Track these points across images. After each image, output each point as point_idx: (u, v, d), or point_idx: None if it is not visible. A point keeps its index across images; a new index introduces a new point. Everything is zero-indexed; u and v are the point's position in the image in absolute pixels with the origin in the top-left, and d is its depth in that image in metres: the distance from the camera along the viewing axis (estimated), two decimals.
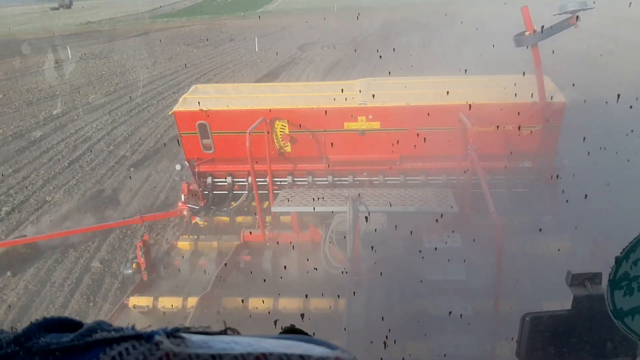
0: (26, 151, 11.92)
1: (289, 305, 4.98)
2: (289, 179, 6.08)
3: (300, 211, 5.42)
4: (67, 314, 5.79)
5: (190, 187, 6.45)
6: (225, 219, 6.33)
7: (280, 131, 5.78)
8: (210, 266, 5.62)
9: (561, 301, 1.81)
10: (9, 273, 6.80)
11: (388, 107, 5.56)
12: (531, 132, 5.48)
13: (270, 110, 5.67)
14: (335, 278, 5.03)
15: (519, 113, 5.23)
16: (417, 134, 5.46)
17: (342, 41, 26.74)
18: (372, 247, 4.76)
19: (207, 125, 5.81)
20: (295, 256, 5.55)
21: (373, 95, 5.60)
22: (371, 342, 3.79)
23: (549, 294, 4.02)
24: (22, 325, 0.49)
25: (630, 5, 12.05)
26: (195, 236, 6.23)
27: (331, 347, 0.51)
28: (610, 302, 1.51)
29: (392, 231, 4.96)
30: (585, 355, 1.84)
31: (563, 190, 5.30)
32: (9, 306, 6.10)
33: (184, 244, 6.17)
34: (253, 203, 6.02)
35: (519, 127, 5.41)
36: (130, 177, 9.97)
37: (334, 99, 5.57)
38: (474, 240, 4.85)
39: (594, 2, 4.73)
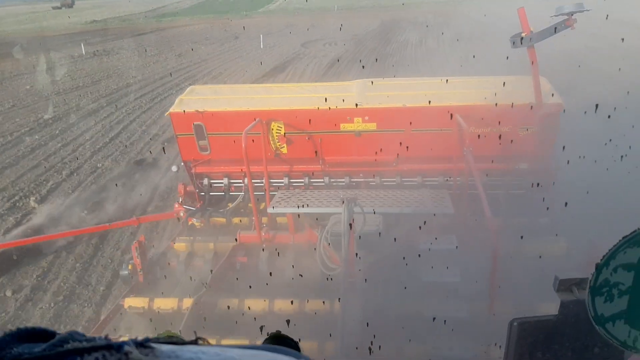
0: (67, 131, 13.71)
1: (285, 306, 4.97)
2: (285, 180, 6.07)
3: (296, 212, 5.41)
4: None
5: (187, 189, 6.45)
6: (222, 220, 6.32)
7: (277, 132, 5.78)
8: (205, 267, 5.61)
9: (556, 304, 1.81)
10: None
11: (384, 108, 5.55)
12: (527, 133, 5.46)
13: (266, 112, 5.66)
14: (331, 280, 5.03)
15: (515, 114, 5.21)
16: (414, 135, 5.45)
17: (343, 39, 27.45)
18: (367, 249, 4.75)
19: (203, 126, 5.80)
20: (291, 257, 5.55)
21: (367, 101, 5.59)
22: (370, 345, 3.78)
23: (543, 297, 4.01)
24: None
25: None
26: (192, 237, 6.22)
27: (298, 357, 0.52)
28: (591, 308, 1.51)
29: (388, 233, 4.95)
30: None
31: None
32: None
33: (180, 245, 6.17)
34: (249, 204, 6.01)
35: (515, 129, 5.40)
36: (164, 149, 11.31)
37: (326, 99, 5.55)
38: (470, 242, 4.84)
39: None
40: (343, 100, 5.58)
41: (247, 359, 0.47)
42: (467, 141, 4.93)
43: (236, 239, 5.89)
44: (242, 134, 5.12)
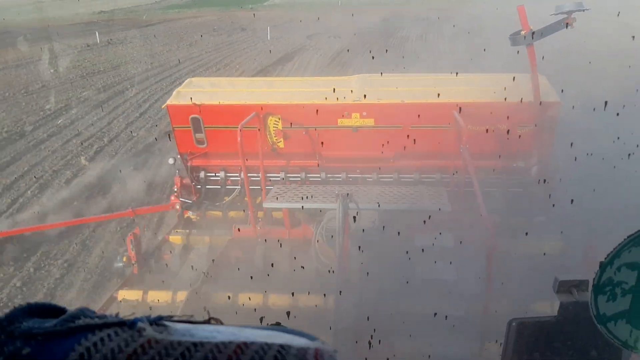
0: (98, 108, 14.81)
1: (279, 301, 4.96)
2: (281, 174, 6.05)
3: (291, 207, 5.40)
4: None
5: (183, 181, 6.42)
6: (218, 213, 6.30)
7: (273, 127, 5.75)
8: (200, 261, 5.60)
9: (552, 303, 1.81)
10: None
11: (382, 104, 5.53)
12: (526, 131, 5.46)
13: (263, 106, 5.63)
14: (326, 275, 5.02)
15: (513, 112, 5.21)
16: (411, 132, 5.44)
17: (346, 32, 28.28)
18: (361, 246, 4.74)
19: (200, 119, 5.77)
20: (286, 252, 5.54)
21: (365, 96, 5.57)
22: (356, 342, 3.78)
23: (540, 296, 4.02)
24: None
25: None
26: (187, 230, 6.21)
27: (312, 338, 0.51)
28: (593, 307, 1.51)
29: (384, 229, 4.94)
30: None
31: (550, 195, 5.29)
32: None
33: (175, 238, 6.15)
34: (245, 198, 5.99)
35: (514, 127, 5.40)
36: None
37: (325, 98, 5.53)
38: (466, 239, 4.84)
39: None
40: (340, 96, 5.55)
41: (263, 339, 0.47)
42: (465, 138, 4.92)
43: (234, 233, 5.88)
44: (238, 127, 5.10)
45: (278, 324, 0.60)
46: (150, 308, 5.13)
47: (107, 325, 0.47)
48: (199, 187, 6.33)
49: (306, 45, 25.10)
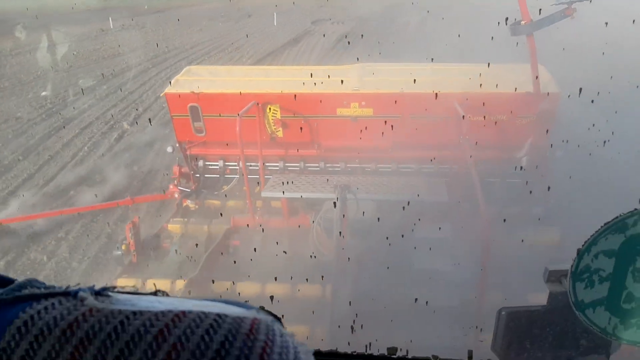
0: (128, 84, 15.96)
1: (277, 290, 4.98)
2: (280, 164, 6.05)
3: (290, 197, 5.40)
4: None
5: (182, 170, 6.42)
6: (217, 202, 6.31)
7: (272, 116, 5.74)
8: (198, 249, 5.61)
9: (546, 294, 1.82)
10: None
11: (381, 93, 5.52)
12: (525, 122, 5.45)
13: (262, 95, 5.62)
14: (324, 265, 5.03)
15: (513, 103, 5.20)
16: (410, 122, 5.42)
17: (349, 18, 29.12)
18: (360, 236, 4.75)
19: (198, 108, 5.76)
20: (285, 242, 5.54)
21: (365, 86, 5.55)
22: (354, 329, 3.80)
23: (535, 286, 4.01)
24: None
25: None
26: (186, 219, 6.21)
27: (249, 308, 0.53)
28: (572, 294, 1.52)
29: (382, 220, 4.95)
30: (560, 351, 1.84)
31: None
32: None
33: (174, 227, 6.16)
34: (244, 187, 6.00)
35: (513, 117, 5.38)
36: None
37: (322, 83, 5.50)
38: (464, 230, 4.84)
39: None
40: (341, 84, 5.54)
41: (201, 308, 0.49)
42: (464, 129, 4.91)
43: (232, 222, 5.88)
44: (237, 116, 5.09)
45: (262, 307, 0.61)
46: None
47: (52, 294, 0.50)
48: (198, 175, 6.34)
49: (311, 31, 25.81)
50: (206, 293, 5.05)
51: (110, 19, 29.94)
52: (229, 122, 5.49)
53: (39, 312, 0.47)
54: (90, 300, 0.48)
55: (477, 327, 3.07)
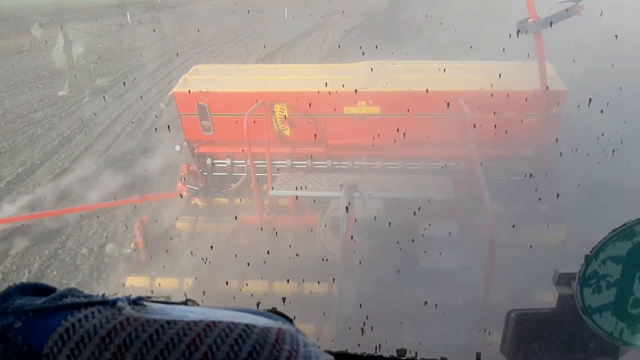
0: (156, 72, 16.98)
1: (284, 288, 5.01)
2: (287, 162, 6.07)
3: (297, 195, 5.43)
4: None
5: (190, 168, 6.46)
6: (224, 200, 6.35)
7: (280, 114, 5.76)
8: (206, 247, 5.64)
9: (553, 293, 1.83)
10: None
11: (388, 92, 5.52)
12: (532, 120, 5.44)
13: (269, 93, 5.64)
14: (330, 263, 5.06)
15: (519, 101, 5.19)
16: (417, 120, 5.43)
17: (357, 12, 30.01)
18: (367, 234, 4.76)
19: (206, 106, 5.79)
20: (292, 240, 5.57)
21: (371, 84, 5.56)
22: (361, 328, 3.82)
23: (541, 285, 4.03)
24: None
25: None
26: (194, 217, 6.25)
27: (276, 319, 0.56)
28: (579, 299, 1.54)
29: (388, 218, 4.96)
30: (569, 354, 1.86)
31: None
32: None
33: (182, 225, 6.20)
34: (251, 185, 6.03)
35: (519, 115, 5.38)
36: None
37: (329, 82, 5.51)
38: (470, 228, 4.85)
39: None
40: (347, 83, 5.54)
41: (230, 319, 0.52)
42: (470, 127, 4.91)
43: (236, 219, 5.91)
44: (245, 115, 5.11)
45: (274, 309, 0.64)
46: (152, 292, 5.20)
47: (91, 303, 0.53)
48: (206, 174, 6.37)
49: (321, 24, 26.62)
50: (215, 291, 5.08)
51: (128, 14, 30.93)
52: (236, 120, 5.52)
53: (79, 320, 0.50)
54: (127, 309, 0.52)
55: (485, 329, 3.09)
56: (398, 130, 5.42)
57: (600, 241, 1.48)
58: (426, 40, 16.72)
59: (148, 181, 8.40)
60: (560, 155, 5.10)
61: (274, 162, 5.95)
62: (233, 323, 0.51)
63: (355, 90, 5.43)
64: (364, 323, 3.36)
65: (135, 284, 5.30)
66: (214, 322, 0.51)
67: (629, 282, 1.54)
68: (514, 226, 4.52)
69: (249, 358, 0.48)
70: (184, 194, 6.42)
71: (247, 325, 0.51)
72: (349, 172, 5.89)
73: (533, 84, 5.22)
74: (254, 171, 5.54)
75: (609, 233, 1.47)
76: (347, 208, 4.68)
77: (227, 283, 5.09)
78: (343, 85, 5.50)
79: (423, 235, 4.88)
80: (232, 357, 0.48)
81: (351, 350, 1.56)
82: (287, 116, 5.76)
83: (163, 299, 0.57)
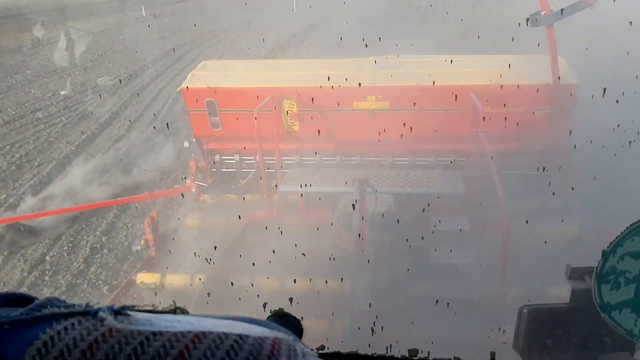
0: (179, 61, 17.76)
1: (294, 286, 4.98)
2: (296, 158, 6.04)
3: (307, 191, 5.40)
4: None
5: (199, 165, 6.45)
6: (233, 197, 6.33)
7: (289, 110, 5.74)
8: (216, 244, 5.63)
9: (566, 288, 1.79)
10: None
11: (398, 86, 5.48)
12: (543, 114, 5.38)
13: (278, 89, 5.61)
14: (342, 259, 5.03)
15: (531, 94, 5.13)
16: (427, 115, 5.38)
17: (363, 3, 29.87)
18: (378, 230, 4.73)
19: (215, 102, 5.77)
20: (302, 236, 5.54)
21: (381, 79, 5.51)
22: (374, 324, 3.79)
23: (554, 281, 3.97)
24: None
25: None
26: (203, 214, 6.24)
27: (271, 327, 0.52)
28: (597, 295, 1.50)
29: (399, 213, 4.92)
30: (583, 349, 1.82)
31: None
32: None
33: (192, 222, 6.19)
34: (261, 182, 6.01)
35: (531, 109, 5.32)
36: None
37: (338, 76, 5.46)
38: (481, 223, 4.80)
39: None
40: (353, 80, 5.50)
41: (221, 329, 0.48)
42: (482, 121, 4.86)
43: (239, 218, 5.89)
44: (254, 111, 5.09)
45: (281, 310, 0.61)
46: (170, 288, 5.20)
47: (71, 314, 0.49)
48: (214, 170, 6.36)
49: (329, 16, 27.19)
50: (225, 288, 5.07)
51: (142, 8, 31.73)
52: (245, 116, 5.50)
53: (58, 333, 0.47)
54: (110, 320, 0.49)
55: (499, 328, 3.04)
56: (407, 125, 5.38)
57: (618, 236, 1.43)
58: (431, 31, 17.11)
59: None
60: (575, 147, 5.04)
61: (282, 158, 5.93)
62: (224, 333, 0.48)
63: (359, 84, 5.39)
64: (374, 323, 3.33)
65: (145, 280, 5.30)
66: (203, 333, 0.47)
67: None
68: (527, 221, 4.45)
69: None
70: (193, 190, 6.41)
71: (239, 336, 0.48)
72: (359, 167, 5.85)
73: (544, 77, 5.16)
74: (263, 167, 5.52)
75: (627, 228, 1.43)
76: (357, 202, 4.64)
77: (232, 284, 5.07)
78: (346, 79, 5.46)
79: (434, 230, 4.85)
80: None
81: (361, 351, 1.53)
82: (296, 112, 5.74)
83: (148, 308, 0.55)
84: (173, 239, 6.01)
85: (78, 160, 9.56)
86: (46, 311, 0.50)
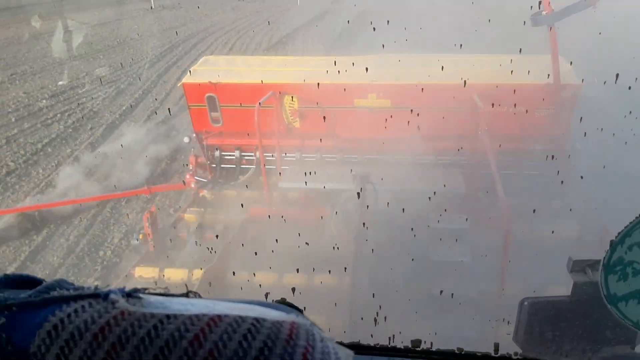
0: (194, 50, 18.61)
1: (294, 280, 4.98)
2: (297, 154, 6.04)
3: (307, 188, 5.39)
4: None
5: (199, 160, 6.44)
6: (233, 193, 6.32)
7: (289, 106, 5.73)
8: (215, 239, 5.63)
9: (566, 287, 1.79)
10: None
11: (399, 84, 5.48)
12: (544, 113, 5.38)
13: (279, 85, 5.61)
14: (341, 255, 5.02)
15: (532, 94, 5.13)
16: (428, 113, 5.38)
17: None
18: (377, 227, 4.73)
19: (215, 98, 5.77)
20: (302, 232, 5.54)
21: (382, 77, 5.51)
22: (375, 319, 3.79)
23: (554, 279, 3.98)
24: None
25: None
26: (202, 209, 6.23)
27: (287, 311, 0.50)
28: (604, 287, 1.49)
29: (399, 210, 4.92)
30: (583, 342, 1.82)
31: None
32: None
33: (190, 217, 6.18)
34: (260, 178, 6.00)
35: (532, 109, 5.32)
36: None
37: (339, 73, 5.46)
38: (481, 222, 4.81)
39: None
40: (355, 77, 5.50)
41: (237, 312, 0.47)
42: (483, 120, 4.86)
43: (249, 212, 5.89)
44: (254, 106, 5.09)
45: (283, 299, 0.60)
46: (163, 283, 5.20)
47: (81, 296, 0.48)
48: (214, 166, 6.35)
49: (331, 10, 27.82)
50: (224, 282, 5.07)
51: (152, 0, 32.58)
52: (245, 112, 5.49)
53: (69, 315, 0.46)
54: (122, 302, 0.47)
55: (503, 319, 3.05)
56: (408, 123, 5.37)
57: (627, 226, 1.42)
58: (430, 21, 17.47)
59: None
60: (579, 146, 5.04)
61: (283, 154, 5.93)
62: (240, 317, 0.46)
63: (359, 82, 5.39)
64: (377, 313, 3.33)
65: (143, 274, 5.29)
66: (218, 316, 0.46)
67: None
68: (533, 212, 4.45)
69: (260, 356, 0.43)
70: (193, 185, 6.41)
71: (256, 319, 0.46)
72: (359, 164, 5.84)
73: (546, 77, 5.16)
74: (264, 163, 5.51)
75: (635, 218, 1.42)
76: (358, 194, 4.64)
77: (233, 273, 5.07)
78: (358, 75, 5.46)
79: (433, 227, 4.84)
80: (241, 355, 0.43)
81: (364, 342, 1.52)
82: (297, 108, 5.73)
83: (161, 291, 0.52)
84: (174, 227, 6.02)
85: (124, 125, 11.20)
86: (55, 293, 0.48)
